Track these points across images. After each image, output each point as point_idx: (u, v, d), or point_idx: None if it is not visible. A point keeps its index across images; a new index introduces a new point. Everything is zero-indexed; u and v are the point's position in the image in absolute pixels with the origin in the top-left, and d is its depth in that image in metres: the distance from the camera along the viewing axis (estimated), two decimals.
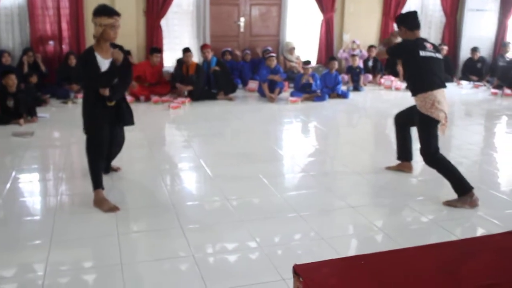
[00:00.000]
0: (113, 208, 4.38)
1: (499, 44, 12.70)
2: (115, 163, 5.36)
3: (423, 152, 4.79)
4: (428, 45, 4.81)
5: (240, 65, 11.28)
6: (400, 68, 10.81)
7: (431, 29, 12.89)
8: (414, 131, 5.12)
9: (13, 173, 5.35)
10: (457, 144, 6.81)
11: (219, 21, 11.47)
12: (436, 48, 4.91)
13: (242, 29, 11.72)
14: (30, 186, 5.15)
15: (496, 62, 12.03)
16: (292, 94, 9.76)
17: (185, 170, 5.70)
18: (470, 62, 12.39)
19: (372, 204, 4.78)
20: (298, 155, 6.30)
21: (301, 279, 2.11)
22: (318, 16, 11.99)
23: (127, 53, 4.91)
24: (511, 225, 4.04)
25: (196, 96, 9.46)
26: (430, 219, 4.33)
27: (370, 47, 11.84)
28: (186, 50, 9.62)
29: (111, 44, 4.57)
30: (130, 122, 4.94)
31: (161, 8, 10.61)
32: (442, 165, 4.75)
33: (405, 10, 11.53)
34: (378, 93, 10.90)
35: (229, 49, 11.30)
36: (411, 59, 4.77)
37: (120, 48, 4.62)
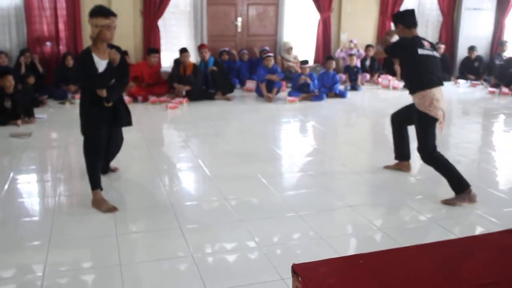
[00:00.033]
0: (112, 209, 4.38)
1: (496, 43, 12.72)
2: (113, 163, 5.36)
3: (420, 150, 4.80)
4: (425, 43, 4.82)
5: (238, 65, 11.28)
6: (397, 68, 10.82)
7: (428, 28, 12.90)
8: (411, 130, 5.12)
9: (11, 174, 5.34)
10: (454, 143, 6.82)
11: (216, 21, 11.47)
12: (434, 46, 4.93)
13: (239, 29, 11.72)
14: (28, 187, 5.14)
15: (493, 61, 12.05)
16: (290, 94, 9.76)
17: (184, 170, 5.69)
18: (467, 61, 12.40)
19: (371, 203, 4.78)
20: (297, 154, 6.30)
21: (300, 278, 2.12)
22: (315, 16, 11.99)
23: (124, 53, 4.91)
24: (510, 223, 4.04)
25: (194, 96, 9.45)
26: (429, 218, 4.34)
27: (368, 47, 11.86)
28: (183, 51, 9.62)
29: (108, 44, 4.56)
30: (128, 123, 4.94)
31: (158, 8, 10.60)
32: (439, 163, 4.76)
33: (402, 9, 11.53)
34: (376, 92, 10.91)
35: (227, 49, 11.29)
36: (409, 57, 4.77)
37: (117, 48, 4.62)
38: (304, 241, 3.91)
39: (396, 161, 5.54)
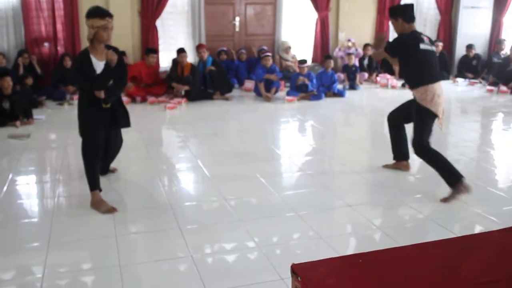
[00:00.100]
0: (111, 210, 4.38)
1: (494, 41, 12.73)
2: (112, 164, 5.35)
3: (414, 142, 4.85)
4: (425, 38, 4.84)
5: (236, 64, 11.27)
6: (396, 67, 10.82)
7: (426, 26, 12.90)
8: (408, 130, 5.12)
9: (10, 176, 5.33)
10: (453, 142, 6.83)
11: (214, 20, 11.46)
12: (431, 41, 4.95)
13: (237, 29, 11.72)
14: (27, 188, 5.14)
15: (491, 59, 12.05)
16: (288, 93, 9.76)
17: (183, 171, 5.69)
18: (465, 59, 12.41)
19: (370, 202, 4.78)
20: (296, 154, 6.30)
21: (299, 278, 2.11)
22: (313, 15, 11.99)
23: (122, 54, 4.90)
24: (509, 222, 4.04)
25: (192, 96, 9.45)
26: (428, 217, 4.34)
27: (366, 46, 11.86)
28: (181, 51, 9.61)
29: (106, 45, 4.56)
30: (126, 124, 4.94)
31: (156, 8, 10.60)
32: (432, 156, 4.81)
33: None
34: (374, 91, 10.91)
35: (225, 48, 11.29)
36: (412, 52, 4.77)
37: (115, 49, 4.61)
38: (303, 240, 3.91)
39: (394, 161, 5.54)
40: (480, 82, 11.66)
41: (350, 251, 3.78)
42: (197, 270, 3.43)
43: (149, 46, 10.37)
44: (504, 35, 12.79)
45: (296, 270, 2.15)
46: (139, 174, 5.49)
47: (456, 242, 2.66)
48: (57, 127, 7.56)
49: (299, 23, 12.20)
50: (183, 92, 9.46)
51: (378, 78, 11.53)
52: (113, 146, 5.04)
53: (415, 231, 4.13)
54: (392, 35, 12.28)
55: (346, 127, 8.38)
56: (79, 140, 4.66)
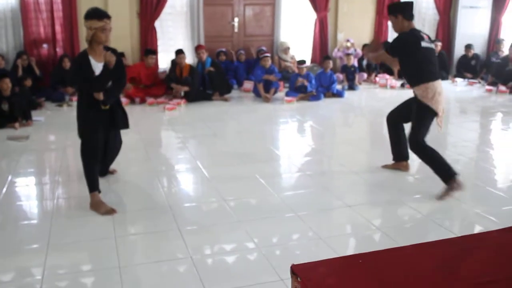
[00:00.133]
0: (110, 211, 4.38)
1: (493, 41, 12.73)
2: (112, 165, 5.34)
3: (411, 138, 4.89)
4: (424, 36, 4.85)
5: (235, 65, 11.27)
6: (395, 68, 10.82)
7: (424, 26, 12.90)
8: (408, 129, 5.12)
9: (9, 177, 5.33)
10: (452, 142, 6.83)
11: (213, 21, 11.46)
12: (430, 39, 4.96)
13: (236, 30, 11.72)
14: (26, 190, 5.14)
15: (490, 59, 12.06)
16: (287, 94, 9.76)
17: (182, 172, 5.69)
18: (464, 59, 12.41)
19: (370, 203, 4.78)
20: (295, 155, 6.30)
21: (299, 279, 2.11)
22: (311, 16, 12.00)
23: (120, 55, 4.90)
24: (508, 221, 4.04)
25: (191, 97, 9.45)
26: (428, 217, 4.34)
27: (365, 46, 11.85)
28: (179, 52, 9.60)
29: (104, 47, 4.55)
30: (125, 126, 4.94)
31: (154, 9, 10.60)
32: (428, 152, 4.85)
33: None
34: (373, 91, 10.92)
35: (224, 49, 11.29)
36: (413, 50, 4.78)
37: (113, 50, 4.61)
38: (303, 241, 3.91)
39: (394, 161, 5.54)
40: (479, 82, 11.67)
41: (349, 251, 3.78)
42: (196, 271, 3.43)
43: (148, 47, 10.37)
44: (502, 35, 12.79)
45: (296, 270, 2.15)
46: (138, 175, 5.49)
47: (455, 242, 2.66)
48: (56, 128, 7.55)
49: (298, 23, 12.21)
50: (182, 93, 9.46)
51: (377, 79, 11.54)
52: (112, 147, 5.03)
53: (414, 231, 4.13)
54: (391, 35, 12.37)
55: (345, 128, 8.39)
56: (78, 141, 4.65)
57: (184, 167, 5.82)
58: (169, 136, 7.56)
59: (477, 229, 4.15)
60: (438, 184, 4.96)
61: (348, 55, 11.24)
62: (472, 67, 12.24)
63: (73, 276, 3.41)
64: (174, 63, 9.86)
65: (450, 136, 7.14)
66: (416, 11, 12.49)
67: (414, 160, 5.33)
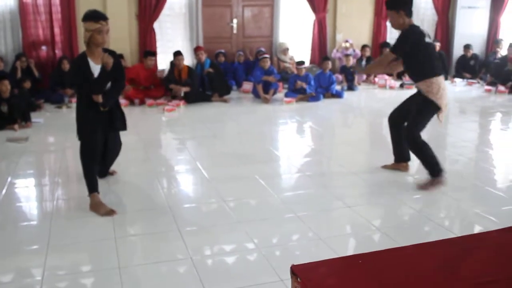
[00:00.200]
0: (110, 212, 4.37)
1: (492, 41, 12.74)
2: (111, 166, 5.34)
3: (409, 128, 4.95)
4: (425, 32, 4.87)
5: (234, 66, 11.28)
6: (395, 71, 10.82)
7: (423, 27, 12.75)
8: None
9: (9, 179, 5.33)
10: (452, 142, 6.83)
11: (212, 22, 11.47)
12: (429, 36, 4.97)
13: (235, 31, 11.73)
14: (26, 191, 5.13)
15: (489, 59, 12.07)
16: (286, 95, 9.76)
17: (181, 173, 5.69)
18: (463, 59, 12.42)
19: (369, 203, 4.78)
20: (294, 155, 6.30)
21: (299, 279, 2.12)
22: (310, 17, 12.00)
23: (119, 57, 4.90)
24: (508, 221, 4.04)
25: (191, 98, 9.44)
26: (427, 217, 4.34)
27: (363, 47, 11.87)
28: (177, 54, 9.59)
29: (103, 49, 4.55)
30: (123, 127, 4.94)
31: (153, 11, 10.60)
32: (421, 145, 4.93)
33: None
34: (372, 92, 10.92)
35: (223, 50, 11.29)
36: (419, 45, 4.80)
37: (112, 52, 4.61)
38: (303, 242, 3.91)
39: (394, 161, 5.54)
40: (478, 82, 11.67)
41: (349, 252, 3.78)
42: (196, 272, 3.43)
43: (147, 48, 10.37)
44: (501, 35, 12.80)
45: (296, 271, 2.15)
46: (138, 176, 5.49)
47: (455, 242, 2.66)
48: (56, 130, 7.55)
49: (297, 24, 12.21)
50: (182, 93, 9.44)
51: (376, 79, 11.53)
52: (112, 149, 5.03)
53: (414, 232, 4.13)
54: (390, 35, 12.38)
55: (344, 128, 8.39)
56: (77, 143, 4.65)
57: (184, 168, 5.82)
58: (169, 137, 7.57)
59: (477, 229, 4.15)
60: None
61: (347, 55, 11.24)
62: (471, 67, 12.24)
63: (73, 277, 3.40)
64: (172, 64, 9.86)
65: (450, 136, 7.14)
66: (414, 11, 12.42)
67: (414, 160, 5.33)
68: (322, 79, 10.10)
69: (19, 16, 9.85)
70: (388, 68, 5.27)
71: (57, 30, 10.13)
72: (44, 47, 10.20)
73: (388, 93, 10.67)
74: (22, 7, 9.82)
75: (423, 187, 4.95)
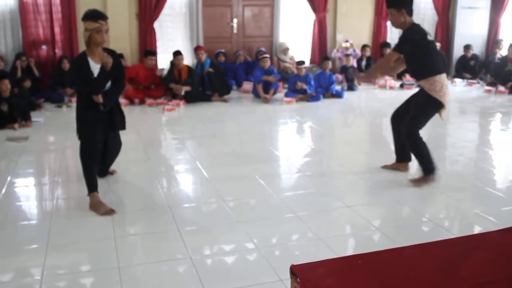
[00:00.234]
0: (109, 211, 4.37)
1: (492, 41, 12.75)
2: (111, 166, 5.34)
3: (409, 123, 4.96)
4: (426, 30, 4.88)
5: (234, 66, 11.28)
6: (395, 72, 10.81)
7: (423, 27, 12.89)
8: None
9: (9, 178, 5.33)
10: (452, 142, 6.83)
11: (212, 22, 11.47)
12: (430, 34, 4.99)
13: (235, 30, 11.73)
14: (25, 190, 5.13)
15: (489, 59, 12.07)
16: (286, 95, 9.76)
17: (181, 172, 5.69)
18: (463, 59, 12.43)
19: (369, 203, 4.78)
20: (294, 155, 6.30)
21: (298, 279, 2.11)
22: (310, 16, 12.00)
23: (119, 56, 4.90)
24: (508, 222, 4.04)
25: (191, 98, 9.44)
26: (427, 217, 4.34)
27: (364, 47, 11.87)
28: (177, 53, 9.59)
29: (103, 48, 4.55)
30: (122, 127, 4.94)
31: (153, 11, 10.60)
32: (418, 142, 4.97)
33: None
34: (373, 92, 10.92)
35: (223, 50, 11.29)
36: (423, 43, 4.81)
37: (112, 52, 4.61)
38: (302, 242, 3.91)
39: (394, 161, 5.53)
40: (478, 83, 11.68)
41: (349, 252, 3.78)
42: (196, 272, 3.43)
43: (147, 48, 10.38)
44: (501, 35, 12.81)
45: (295, 271, 2.15)
46: (137, 176, 5.49)
47: (455, 242, 2.66)
48: (56, 129, 7.55)
49: (297, 24, 12.21)
50: (183, 92, 9.44)
51: (376, 79, 11.52)
52: (111, 148, 5.03)
53: (414, 232, 4.13)
54: (390, 35, 12.39)
55: (344, 128, 8.38)
56: (77, 142, 4.65)
57: (184, 167, 5.82)
58: (169, 136, 7.57)
59: (477, 229, 4.15)
60: (438, 185, 4.98)
61: (347, 55, 11.24)
62: (471, 67, 12.25)
63: (73, 276, 3.40)
64: (172, 64, 9.86)
65: (450, 136, 7.14)
66: (414, 11, 12.47)
67: (413, 161, 5.33)
68: (322, 79, 10.10)
69: (19, 16, 9.86)
70: (390, 69, 5.25)
71: (57, 30, 10.14)
72: (44, 47, 10.20)
73: (388, 93, 10.67)
74: (22, 6, 9.82)
75: (416, 182, 5.02)
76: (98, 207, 4.42)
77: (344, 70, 11.16)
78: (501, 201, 4.73)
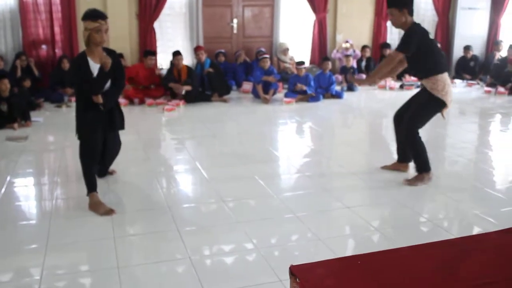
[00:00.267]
0: (109, 211, 4.37)
1: (492, 42, 12.75)
2: (111, 166, 5.34)
3: (410, 121, 4.96)
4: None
5: (234, 66, 11.28)
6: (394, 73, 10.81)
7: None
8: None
9: (8, 178, 5.33)
10: (451, 143, 6.83)
11: (212, 22, 11.47)
12: (430, 33, 5.00)
13: (235, 31, 11.73)
14: (25, 190, 5.13)
15: (489, 60, 12.07)
16: (286, 95, 9.77)
17: (181, 172, 5.69)
18: (463, 60, 12.43)
19: (368, 204, 4.78)
20: (294, 156, 6.30)
21: (297, 280, 2.11)
22: (310, 17, 12.01)
23: (119, 56, 4.89)
24: (507, 223, 4.04)
25: (191, 98, 9.44)
26: (426, 218, 4.34)
27: (364, 47, 11.88)
28: (176, 53, 9.59)
29: (103, 48, 4.55)
30: (121, 127, 4.94)
31: (153, 10, 10.61)
32: (417, 141, 4.98)
33: None
34: (372, 93, 10.92)
35: (223, 50, 11.30)
36: (426, 42, 4.81)
37: (112, 52, 4.60)
38: (302, 242, 3.91)
39: (394, 162, 5.53)
40: (478, 83, 11.68)
41: (348, 252, 3.78)
42: (195, 272, 3.43)
43: (147, 48, 10.39)
44: (501, 36, 12.81)
45: (295, 271, 2.15)
46: (137, 176, 5.48)
47: (454, 243, 2.66)
48: (55, 129, 7.55)
49: (297, 25, 12.22)
50: (184, 92, 9.43)
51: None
52: (111, 148, 5.02)
53: (413, 233, 4.13)
54: (390, 36, 12.39)
55: (344, 129, 8.38)
56: (76, 142, 4.65)
57: (183, 167, 5.82)
58: (168, 137, 7.57)
59: (476, 230, 4.16)
60: (438, 186, 4.98)
61: (347, 56, 11.24)
62: (471, 68, 12.26)
63: (72, 276, 3.40)
64: (172, 64, 9.86)
65: (449, 137, 7.14)
66: (414, 12, 12.48)
67: None
68: (322, 79, 10.11)
69: (19, 15, 9.87)
70: (391, 70, 5.23)
71: (57, 29, 10.15)
72: (44, 46, 10.21)
73: (388, 94, 10.67)
74: (22, 6, 9.83)
75: (410, 182, 5.04)
76: (98, 207, 4.42)
77: (344, 70, 11.17)
78: (500, 202, 4.73)
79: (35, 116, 8.05)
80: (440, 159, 5.92)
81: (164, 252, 3.73)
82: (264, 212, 4.46)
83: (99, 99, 4.49)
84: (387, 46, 11.94)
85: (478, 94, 10.74)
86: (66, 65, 9.52)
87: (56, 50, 10.22)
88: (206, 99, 9.66)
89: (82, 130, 4.58)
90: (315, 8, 11.83)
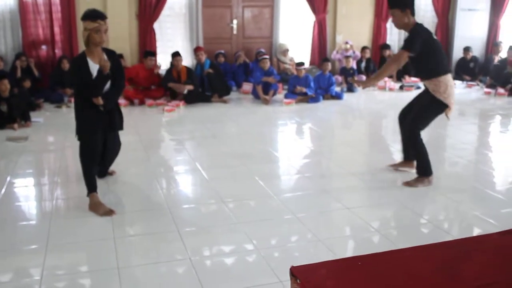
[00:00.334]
0: (109, 212, 4.37)
1: (491, 43, 12.76)
2: (111, 166, 5.34)
3: (412, 123, 4.95)
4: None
5: (234, 67, 11.28)
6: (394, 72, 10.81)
7: None
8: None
9: (8, 178, 5.33)
10: (451, 144, 6.83)
11: (212, 23, 11.47)
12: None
13: (235, 31, 11.74)
14: (25, 190, 5.13)
15: (489, 61, 12.08)
16: (286, 96, 9.76)
17: (181, 173, 5.69)
18: (462, 61, 12.44)
19: (369, 205, 4.78)
20: (294, 156, 6.30)
21: (298, 281, 2.11)
22: (310, 18, 12.01)
23: (119, 56, 4.89)
24: (507, 224, 4.04)
25: (190, 99, 9.44)
26: (426, 219, 4.34)
27: (363, 48, 11.88)
28: (175, 54, 9.59)
29: (103, 48, 4.55)
30: (120, 127, 4.94)
31: (153, 11, 10.61)
32: (419, 143, 4.98)
33: None
34: (372, 94, 10.91)
35: (222, 51, 11.30)
36: (430, 42, 4.78)
37: (112, 52, 4.60)
38: (302, 243, 3.91)
39: (401, 160, 5.52)
40: (478, 85, 11.68)
41: (348, 253, 3.78)
42: (195, 273, 3.43)
43: (147, 48, 10.39)
44: (501, 37, 12.82)
45: (295, 272, 2.15)
46: (137, 176, 5.49)
47: (454, 244, 2.66)
48: (55, 129, 7.56)
49: (297, 25, 12.22)
50: (186, 91, 9.41)
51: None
52: (111, 149, 5.02)
53: (413, 234, 4.13)
54: (390, 37, 12.40)
55: (344, 130, 8.38)
56: (76, 142, 4.65)
57: (183, 168, 5.82)
58: (168, 137, 7.56)
59: (476, 231, 4.16)
60: (437, 187, 4.98)
61: (347, 57, 11.25)
62: (470, 69, 12.26)
63: (72, 276, 3.40)
64: (172, 65, 9.86)
65: (449, 138, 7.14)
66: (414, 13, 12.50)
67: None
68: (321, 80, 10.10)
69: (19, 16, 9.87)
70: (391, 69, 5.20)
71: (57, 30, 10.15)
72: (44, 47, 10.21)
73: (388, 95, 10.67)
74: (22, 6, 9.83)
75: (410, 184, 5.04)
76: (98, 208, 4.42)
77: (344, 71, 11.17)
78: (500, 203, 4.73)
79: (35, 116, 8.06)
80: (440, 160, 5.93)
81: (164, 253, 3.73)
82: (264, 213, 4.46)
83: (100, 101, 4.49)
84: (387, 47, 11.95)
85: (478, 95, 10.74)
86: (66, 65, 9.52)
87: (56, 51, 10.21)
88: (206, 99, 9.66)
89: (82, 130, 4.58)
90: (314, 9, 11.84)
